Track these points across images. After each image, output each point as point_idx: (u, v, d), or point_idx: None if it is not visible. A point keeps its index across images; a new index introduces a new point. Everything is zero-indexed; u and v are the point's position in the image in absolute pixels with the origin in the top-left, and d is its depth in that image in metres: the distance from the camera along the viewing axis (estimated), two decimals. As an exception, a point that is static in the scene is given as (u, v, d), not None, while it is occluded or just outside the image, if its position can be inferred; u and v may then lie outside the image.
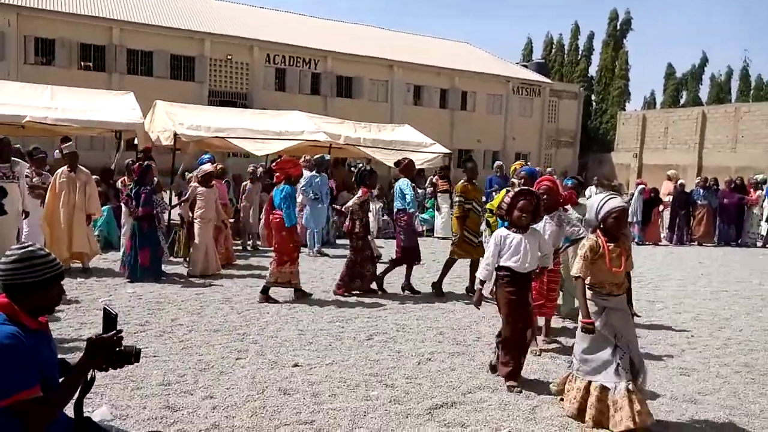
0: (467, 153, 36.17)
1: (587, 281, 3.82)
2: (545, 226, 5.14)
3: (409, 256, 7.65)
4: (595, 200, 3.84)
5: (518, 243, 4.34)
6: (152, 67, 28.00)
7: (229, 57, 29.58)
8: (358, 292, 7.50)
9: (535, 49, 48.95)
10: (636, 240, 13.90)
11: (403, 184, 7.69)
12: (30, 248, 2.18)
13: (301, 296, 7.14)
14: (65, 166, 8.10)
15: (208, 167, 8.55)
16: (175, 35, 28.10)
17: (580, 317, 3.83)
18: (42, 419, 2.10)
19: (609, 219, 3.72)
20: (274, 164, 8.21)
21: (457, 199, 7.39)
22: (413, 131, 15.76)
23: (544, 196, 4.96)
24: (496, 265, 4.43)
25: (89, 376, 2.29)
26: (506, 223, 4.60)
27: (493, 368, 4.67)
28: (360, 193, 7.58)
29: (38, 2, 25.87)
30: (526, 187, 4.43)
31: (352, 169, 12.80)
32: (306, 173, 9.78)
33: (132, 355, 2.31)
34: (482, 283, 4.51)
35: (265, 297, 6.93)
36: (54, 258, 2.22)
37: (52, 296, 2.21)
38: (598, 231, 3.81)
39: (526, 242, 4.34)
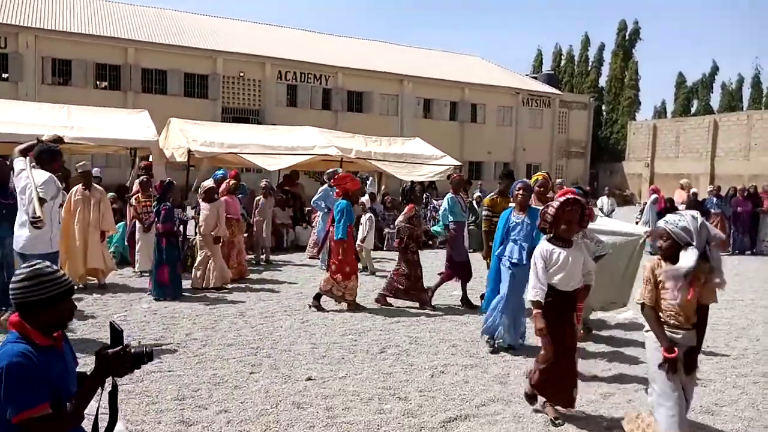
0: (478, 165, 36.23)
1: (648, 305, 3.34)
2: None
3: (457, 271, 7.62)
4: (694, 222, 3.29)
5: (564, 259, 3.95)
6: (166, 85, 28.41)
7: (242, 74, 29.95)
8: (401, 301, 7.60)
9: (545, 60, 49.07)
10: (650, 250, 13.80)
11: (447, 198, 7.82)
12: (37, 266, 2.21)
13: (354, 309, 7.32)
14: (80, 184, 8.24)
15: (208, 183, 8.70)
16: (189, 54, 28.52)
17: (653, 347, 3.32)
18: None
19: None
20: (332, 180, 8.44)
21: (484, 213, 7.13)
22: (424, 144, 15.83)
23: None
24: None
25: (110, 385, 2.32)
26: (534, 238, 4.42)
27: (530, 398, 4.23)
28: (406, 209, 7.80)
29: (55, 24, 26.42)
30: (572, 195, 3.99)
31: (365, 182, 12.89)
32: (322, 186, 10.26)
33: (145, 356, 2.32)
34: (539, 306, 3.96)
35: (317, 303, 7.24)
36: (62, 275, 2.23)
37: (62, 312, 2.23)
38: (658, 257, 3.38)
39: (571, 258, 3.96)
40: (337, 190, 7.61)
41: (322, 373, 4.91)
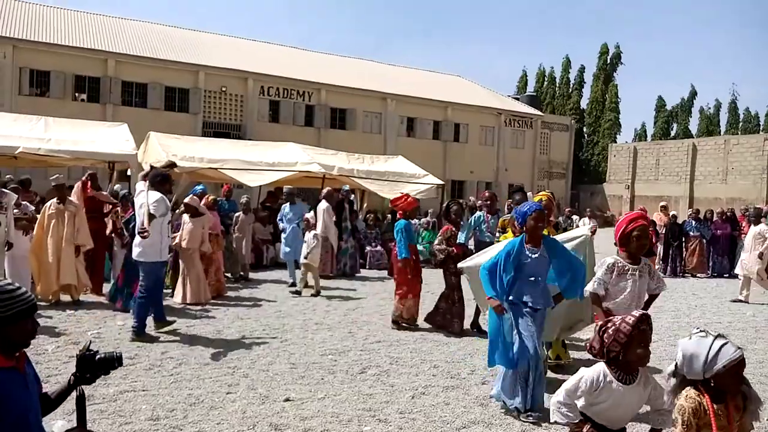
0: (460, 184, 36.40)
1: None
2: (629, 277, 4.04)
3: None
4: (700, 349, 2.61)
5: (633, 282, 3.81)
6: (147, 98, 28.17)
7: (224, 89, 29.84)
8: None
9: (530, 82, 49.74)
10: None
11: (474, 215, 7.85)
12: None
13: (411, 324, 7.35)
14: (54, 198, 8.06)
15: (187, 200, 8.65)
16: (170, 67, 28.36)
17: None
18: None
19: (727, 375, 2.56)
20: (391, 202, 8.69)
21: (499, 234, 6.71)
22: (407, 162, 15.86)
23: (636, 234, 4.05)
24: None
25: (77, 393, 2.28)
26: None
27: None
28: (442, 230, 7.70)
29: (34, 35, 26.12)
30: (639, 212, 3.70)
31: (342, 196, 12.79)
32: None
33: (115, 360, 2.30)
34: (605, 312, 3.80)
35: (396, 326, 7.34)
36: (24, 292, 2.15)
37: (23, 331, 2.13)
38: (699, 386, 2.62)
39: (638, 281, 3.82)
40: (399, 213, 7.73)
41: (300, 393, 4.80)
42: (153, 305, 6.56)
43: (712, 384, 2.56)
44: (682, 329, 8.03)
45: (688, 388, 2.60)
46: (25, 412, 2.14)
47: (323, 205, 11.41)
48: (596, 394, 2.97)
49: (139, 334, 6.30)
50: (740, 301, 10.52)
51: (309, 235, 9.60)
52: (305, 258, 9.49)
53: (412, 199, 8.01)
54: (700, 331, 2.64)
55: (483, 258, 5.08)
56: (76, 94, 27.04)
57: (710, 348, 2.57)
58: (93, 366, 2.29)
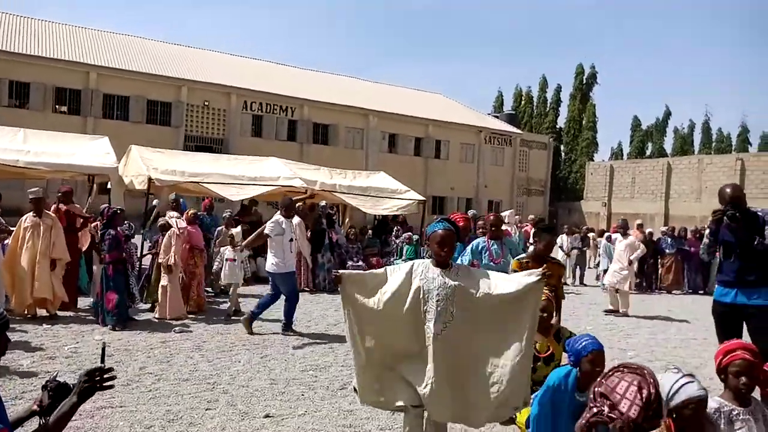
0: (441, 200, 36.62)
1: None
2: (742, 424, 2.97)
3: None
4: (666, 382, 2.69)
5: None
6: (128, 111, 28.03)
7: (206, 103, 29.81)
8: None
9: (506, 100, 50.46)
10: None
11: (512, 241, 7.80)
12: None
13: None
14: (31, 212, 7.97)
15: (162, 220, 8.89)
16: (153, 81, 28.29)
17: None
18: None
19: (685, 410, 2.63)
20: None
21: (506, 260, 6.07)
22: (388, 178, 15.93)
23: (746, 381, 3.01)
24: None
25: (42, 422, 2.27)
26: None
27: None
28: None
29: (14, 46, 25.89)
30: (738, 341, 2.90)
31: (321, 211, 12.82)
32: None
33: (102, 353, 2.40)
34: None
35: None
36: None
37: None
38: (669, 421, 2.68)
39: (754, 427, 2.88)
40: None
41: (280, 410, 4.78)
42: (260, 309, 7.72)
43: (674, 416, 2.58)
44: (658, 345, 8.16)
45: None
46: None
47: (295, 220, 11.41)
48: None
49: (250, 320, 7.57)
50: (614, 311, 10.59)
51: (229, 253, 9.11)
52: (226, 279, 9.05)
53: (466, 217, 7.46)
54: (674, 367, 2.71)
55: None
56: (57, 106, 26.82)
57: (674, 383, 2.63)
58: (63, 394, 2.29)
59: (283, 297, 7.78)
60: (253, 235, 8.49)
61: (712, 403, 2.98)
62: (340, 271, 3.68)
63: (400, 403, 3.63)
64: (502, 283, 3.58)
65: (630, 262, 10.79)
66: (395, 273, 3.62)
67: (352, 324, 3.58)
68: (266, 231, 7.80)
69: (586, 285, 15.12)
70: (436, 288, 3.49)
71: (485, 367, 3.50)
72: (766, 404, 3.83)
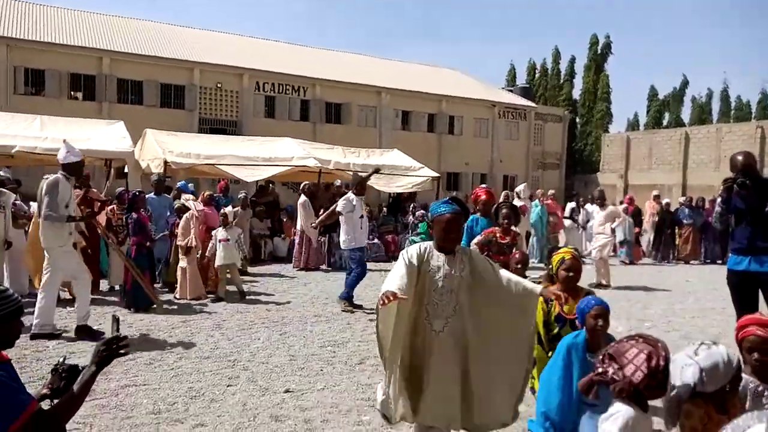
0: (455, 176, 36.48)
1: None
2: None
3: None
4: (717, 355, 2.55)
5: None
6: (142, 95, 28.15)
7: (219, 85, 29.82)
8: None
9: (519, 74, 49.77)
10: (626, 259, 14.05)
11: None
12: None
13: None
14: None
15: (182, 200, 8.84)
16: (165, 64, 28.32)
17: None
18: (58, 427, 2.20)
19: (735, 380, 2.53)
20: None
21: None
22: (402, 155, 15.93)
23: (758, 357, 2.90)
24: None
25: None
26: None
27: None
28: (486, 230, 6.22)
29: (28, 34, 26.05)
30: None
31: (335, 191, 12.88)
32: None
33: (114, 324, 2.46)
34: None
35: None
36: (11, 294, 2.26)
37: (10, 331, 2.26)
38: (706, 398, 2.52)
39: None
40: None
41: (300, 385, 4.88)
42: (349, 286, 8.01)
43: (728, 389, 2.50)
44: (676, 315, 8.14)
45: (695, 399, 2.50)
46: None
47: (301, 199, 11.60)
48: None
49: (345, 299, 7.91)
50: (602, 285, 10.19)
51: (221, 233, 8.63)
52: (221, 260, 8.55)
53: (489, 192, 6.86)
54: (702, 343, 2.59)
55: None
56: (72, 92, 27.01)
57: (723, 357, 2.55)
58: (74, 376, 2.37)
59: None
60: (327, 212, 8.68)
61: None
62: (398, 295, 2.93)
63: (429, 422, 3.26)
64: (507, 279, 3.30)
65: (612, 231, 10.65)
66: (409, 264, 3.17)
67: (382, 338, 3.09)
68: (338, 208, 8.09)
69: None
70: (441, 278, 3.17)
71: (489, 367, 3.26)
72: None
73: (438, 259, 3.20)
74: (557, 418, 3.48)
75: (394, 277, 3.11)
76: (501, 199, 8.35)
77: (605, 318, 3.49)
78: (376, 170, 9.57)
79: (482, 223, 6.43)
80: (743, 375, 2.81)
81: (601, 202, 10.87)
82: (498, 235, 5.89)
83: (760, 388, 2.85)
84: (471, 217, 6.50)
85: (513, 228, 5.98)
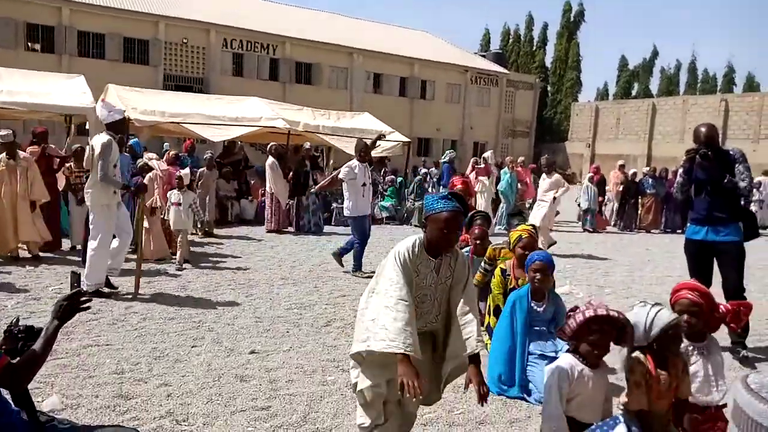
0: (426, 141, 36.44)
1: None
2: (696, 357, 3.20)
3: None
4: (639, 317, 2.79)
5: (702, 364, 3.13)
6: (104, 49, 27.15)
7: (185, 41, 28.93)
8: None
9: (493, 39, 49.60)
10: (590, 228, 14.36)
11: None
12: None
13: None
14: (3, 154, 7.82)
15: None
16: (129, 17, 27.30)
17: None
18: (27, 379, 2.17)
19: (664, 337, 2.71)
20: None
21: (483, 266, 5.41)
22: (373, 119, 15.80)
23: (687, 319, 3.14)
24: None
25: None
26: None
27: None
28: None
29: (-20, -22, 24.72)
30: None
31: (304, 153, 12.76)
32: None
33: (74, 279, 2.39)
34: None
35: None
36: None
37: None
38: (647, 356, 2.75)
39: (708, 360, 3.13)
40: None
41: (265, 346, 4.89)
42: (345, 251, 8.10)
43: (655, 347, 2.73)
44: (635, 282, 8.39)
45: (636, 352, 2.76)
46: None
47: (269, 160, 11.45)
48: (572, 388, 2.85)
49: (357, 269, 7.90)
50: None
51: (174, 196, 8.15)
52: (174, 225, 8.14)
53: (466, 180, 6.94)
54: (641, 302, 2.85)
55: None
56: (29, 44, 25.86)
57: (647, 315, 2.77)
58: (31, 337, 2.32)
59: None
60: (327, 178, 8.65)
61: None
62: (421, 381, 2.52)
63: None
64: (462, 313, 2.86)
65: (554, 199, 10.77)
66: (404, 269, 2.76)
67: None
68: (340, 175, 7.99)
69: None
70: (428, 286, 2.85)
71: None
72: (732, 338, 4.11)
73: (428, 264, 2.82)
74: (506, 367, 4.11)
75: (395, 297, 2.65)
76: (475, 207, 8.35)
77: (543, 272, 4.14)
78: (381, 136, 9.44)
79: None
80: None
81: (549, 170, 10.95)
82: (473, 242, 5.69)
83: (690, 348, 3.19)
84: None
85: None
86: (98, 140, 6.09)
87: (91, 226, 6.23)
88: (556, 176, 10.84)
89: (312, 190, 10.26)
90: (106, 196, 6.16)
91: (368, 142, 8.57)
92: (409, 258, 2.77)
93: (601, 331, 2.79)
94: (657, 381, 2.70)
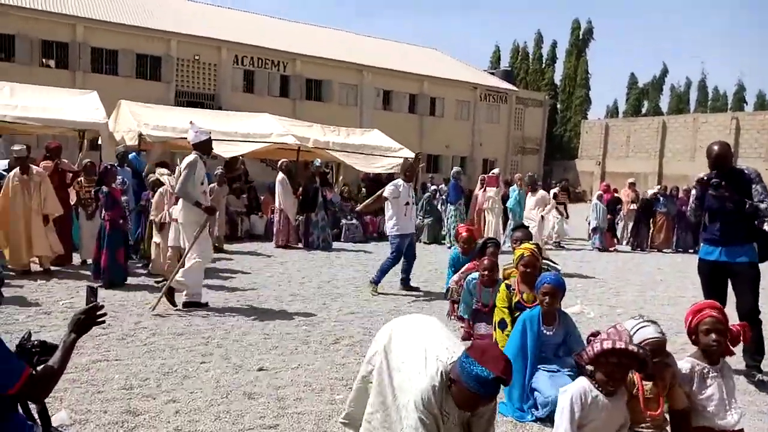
0: (436, 158, 36.50)
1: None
2: (712, 381, 3.09)
3: None
4: (628, 327, 2.90)
5: (718, 386, 3.05)
6: (117, 66, 27.51)
7: (197, 57, 29.26)
8: None
9: (503, 57, 49.82)
10: (599, 246, 14.25)
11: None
12: None
13: None
14: (17, 168, 7.91)
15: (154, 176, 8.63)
16: (141, 34, 27.67)
17: None
18: (48, 389, 2.20)
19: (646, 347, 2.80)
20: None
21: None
22: (382, 136, 15.83)
23: (716, 338, 3.06)
24: None
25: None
26: None
27: None
28: (468, 264, 6.38)
29: (-2, -4, 25.17)
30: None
31: (314, 170, 12.82)
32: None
33: (90, 293, 2.42)
34: None
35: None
36: None
37: None
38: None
39: (722, 383, 3.06)
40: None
41: (274, 363, 4.87)
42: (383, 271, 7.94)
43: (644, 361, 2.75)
44: (647, 302, 8.29)
45: None
46: None
47: (279, 176, 11.56)
48: (585, 413, 2.77)
49: (375, 283, 7.82)
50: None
51: (175, 212, 7.09)
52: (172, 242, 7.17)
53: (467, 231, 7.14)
54: (638, 315, 2.98)
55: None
56: (44, 60, 26.26)
57: (633, 327, 2.89)
58: (46, 351, 2.34)
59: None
60: (373, 197, 8.80)
61: (686, 364, 3.11)
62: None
63: None
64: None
65: (542, 218, 10.73)
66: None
67: None
68: (385, 194, 8.02)
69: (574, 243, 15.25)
70: (453, 427, 2.72)
71: None
72: (747, 362, 4.12)
73: (454, 415, 2.64)
74: (515, 385, 4.03)
75: None
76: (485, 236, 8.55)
77: (552, 295, 4.07)
78: (418, 157, 9.96)
79: (464, 262, 6.77)
80: (691, 359, 3.16)
81: (533, 188, 10.92)
82: (482, 273, 5.65)
83: (706, 370, 3.10)
84: (454, 253, 7.28)
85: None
86: (186, 159, 6.42)
87: (184, 243, 6.46)
88: (541, 193, 10.82)
89: (357, 208, 10.39)
90: (195, 213, 6.37)
91: (413, 162, 8.77)
92: (435, 415, 2.57)
93: (619, 364, 2.71)
94: (643, 392, 2.85)
